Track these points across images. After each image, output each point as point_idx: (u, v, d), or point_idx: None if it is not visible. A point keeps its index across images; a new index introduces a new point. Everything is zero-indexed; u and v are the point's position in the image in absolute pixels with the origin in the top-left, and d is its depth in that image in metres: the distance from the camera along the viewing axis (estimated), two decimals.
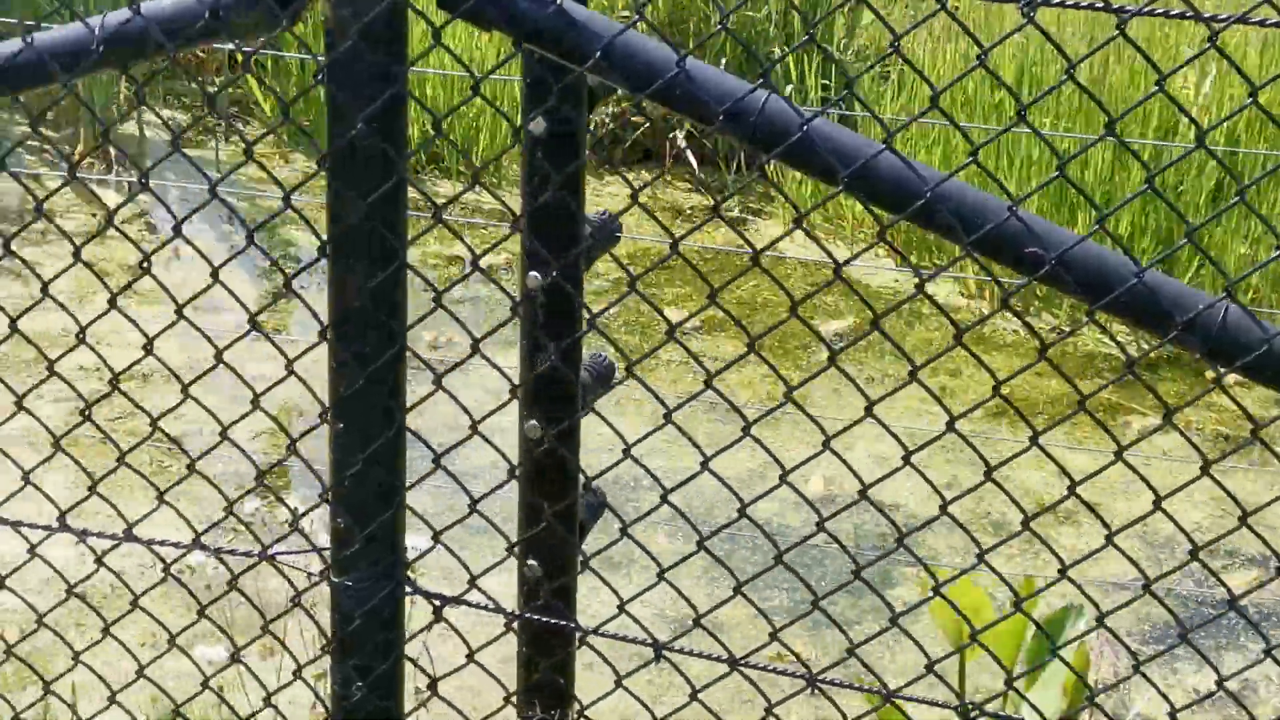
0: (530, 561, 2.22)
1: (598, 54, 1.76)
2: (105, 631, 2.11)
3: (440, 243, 6.50)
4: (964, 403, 5.34)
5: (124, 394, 2.00)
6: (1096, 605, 1.91)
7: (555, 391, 2.15)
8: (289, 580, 2.02)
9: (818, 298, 6.06)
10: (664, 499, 1.95)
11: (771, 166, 7.11)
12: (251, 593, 3.84)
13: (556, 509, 2.12)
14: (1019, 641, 3.48)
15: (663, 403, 1.92)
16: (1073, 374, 5.59)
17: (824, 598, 2.01)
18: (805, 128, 1.73)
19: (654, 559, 1.99)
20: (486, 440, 1.99)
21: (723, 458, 1.94)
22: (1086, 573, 4.31)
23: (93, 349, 2.07)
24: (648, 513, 1.99)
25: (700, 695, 1.99)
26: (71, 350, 2.02)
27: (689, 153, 7.10)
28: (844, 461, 1.89)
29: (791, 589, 4.27)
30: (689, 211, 6.98)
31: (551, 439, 2.05)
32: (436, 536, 2.02)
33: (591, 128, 7.44)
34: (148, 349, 1.99)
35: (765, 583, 4.27)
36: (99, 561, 2.08)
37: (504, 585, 2.26)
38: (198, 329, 2.01)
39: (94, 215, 6.68)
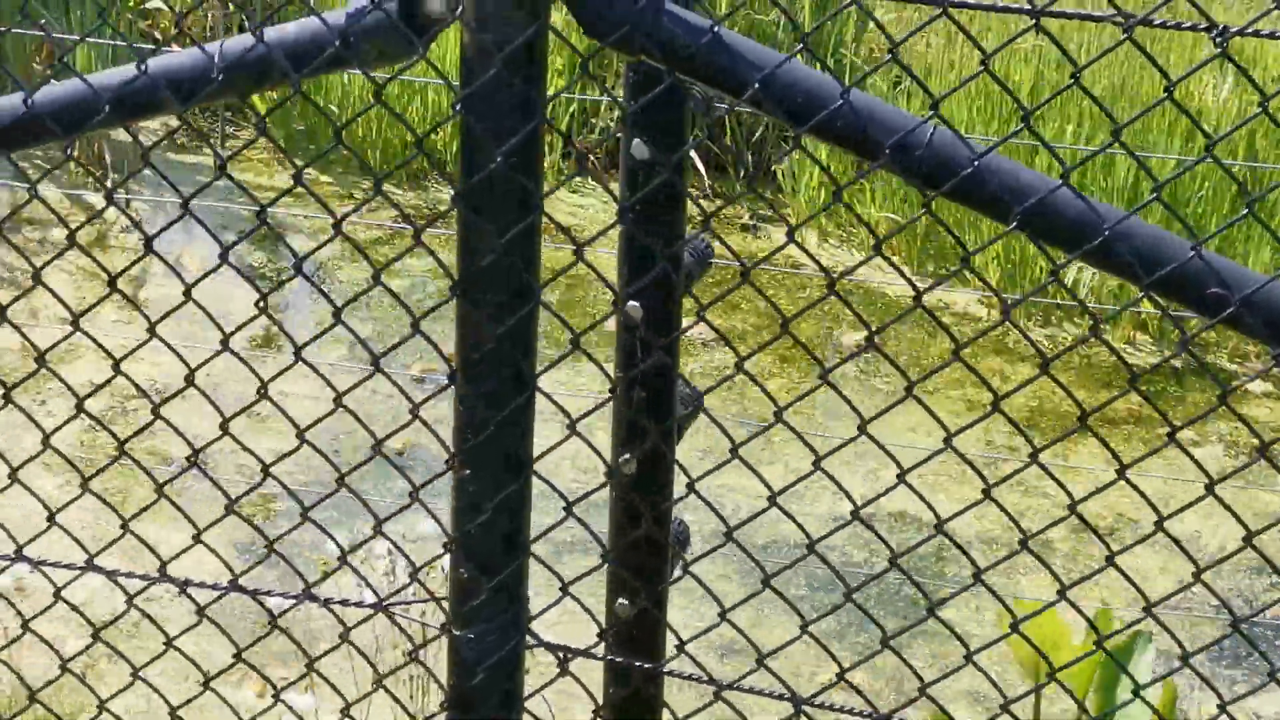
0: (621, 601, 2.14)
1: (755, 85, 1.67)
2: (205, 685, 2.01)
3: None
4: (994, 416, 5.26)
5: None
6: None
7: (651, 425, 2.06)
8: (406, 634, 1.93)
9: (839, 309, 5.97)
10: (811, 548, 1.87)
11: (781, 175, 7.03)
12: (297, 632, 3.74)
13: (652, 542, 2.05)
14: (1093, 672, 3.40)
15: (812, 448, 1.83)
16: (1095, 385, 5.53)
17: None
18: (977, 163, 1.64)
19: (799, 613, 1.90)
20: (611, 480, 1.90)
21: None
22: (1132, 593, 4.24)
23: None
24: (791, 564, 1.90)
25: None
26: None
27: (697, 159, 7.01)
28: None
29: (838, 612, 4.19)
30: (698, 219, 6.89)
31: (706, 487, 1.97)
32: (565, 588, 1.93)
33: (597, 133, 7.35)
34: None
35: (810, 606, 4.18)
36: (201, 613, 1.98)
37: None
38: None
39: (89, 223, 6.55)
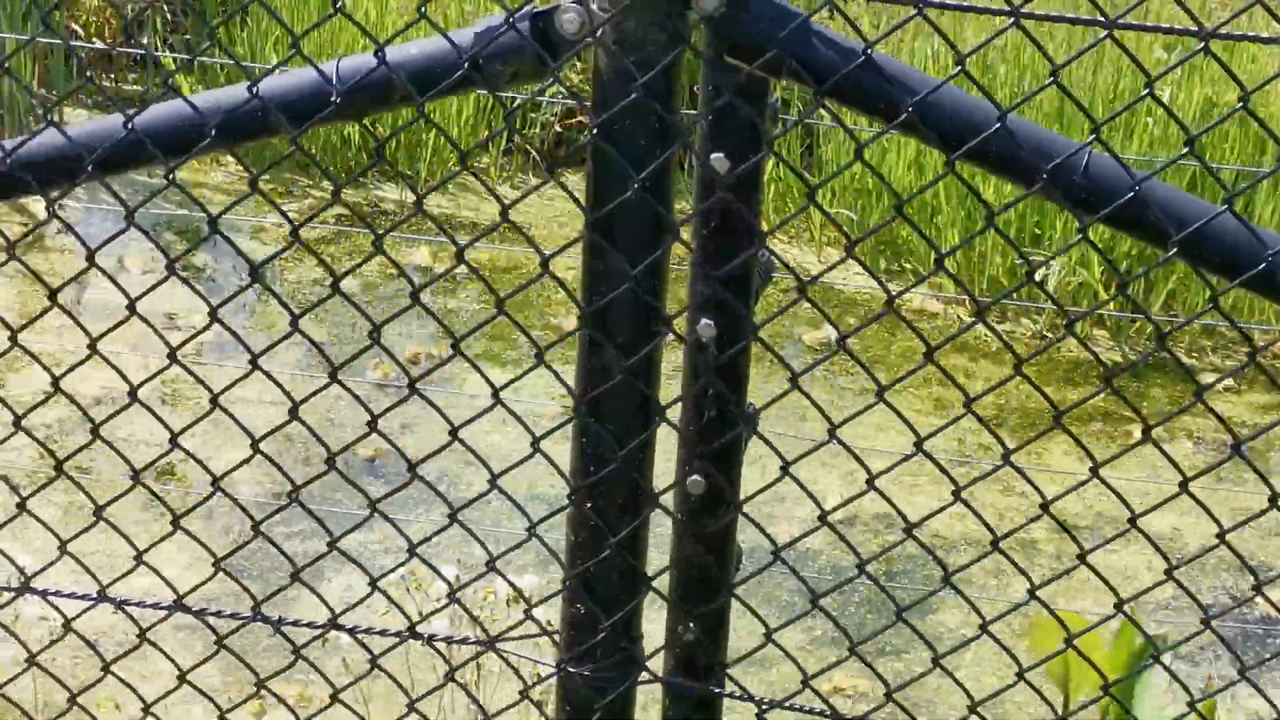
0: (690, 623, 2.09)
1: (909, 109, 1.62)
2: None
3: (397, 252, 6.29)
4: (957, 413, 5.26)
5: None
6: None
7: (718, 445, 2.01)
8: (515, 670, 1.86)
9: (797, 306, 5.94)
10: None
11: None
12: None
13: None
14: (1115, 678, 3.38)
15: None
16: (1058, 381, 5.54)
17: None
18: (1138, 189, 1.60)
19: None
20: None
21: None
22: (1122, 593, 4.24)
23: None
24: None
25: None
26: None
27: None
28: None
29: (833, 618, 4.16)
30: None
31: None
32: (690, 627, 1.88)
33: (539, 129, 7.28)
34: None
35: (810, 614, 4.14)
36: (297, 654, 1.91)
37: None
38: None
39: (25, 224, 6.39)
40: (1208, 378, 5.58)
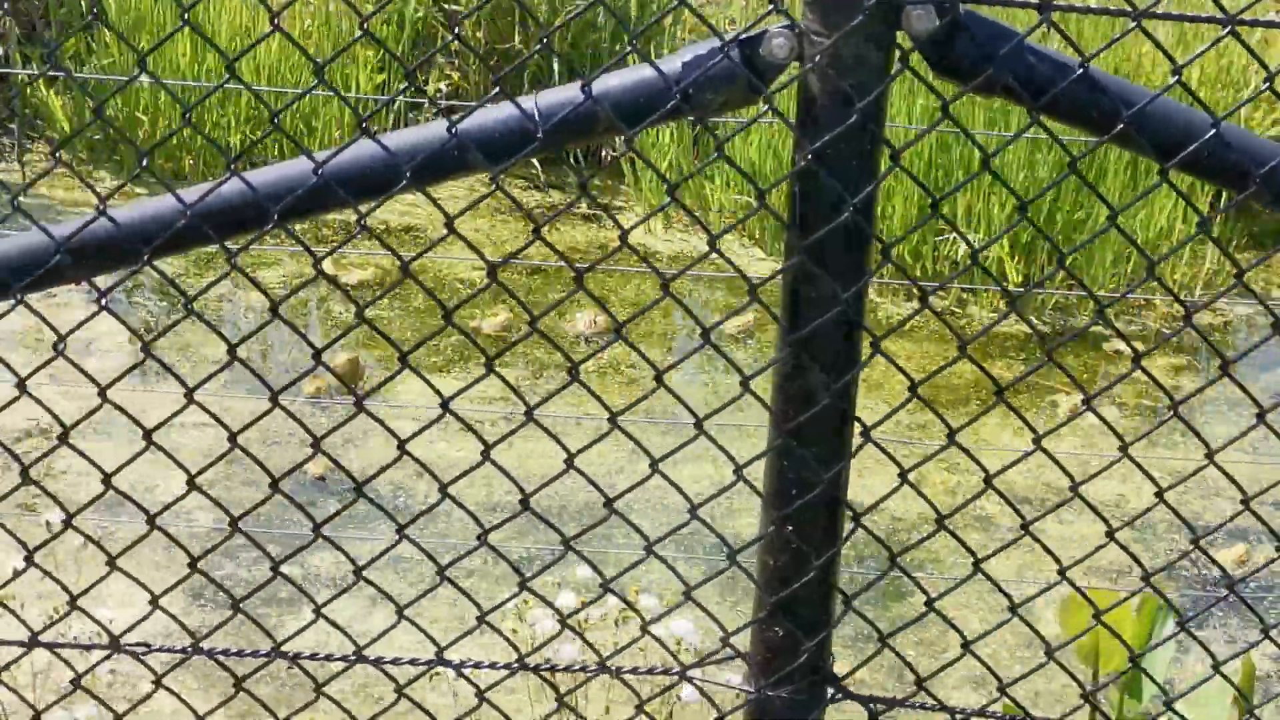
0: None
1: (1125, 120, 1.63)
2: None
3: (297, 263, 6.19)
4: (887, 395, 5.32)
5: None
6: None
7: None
8: (710, 700, 1.85)
9: (721, 297, 5.96)
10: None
11: (623, 164, 6.97)
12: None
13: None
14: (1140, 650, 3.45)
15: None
16: (978, 354, 5.63)
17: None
18: None
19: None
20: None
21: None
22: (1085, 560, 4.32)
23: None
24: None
25: None
26: None
27: None
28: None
29: None
30: (536, 210, 6.81)
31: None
32: (884, 640, 1.88)
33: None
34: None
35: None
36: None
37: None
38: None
39: None
40: (1114, 343, 5.71)
